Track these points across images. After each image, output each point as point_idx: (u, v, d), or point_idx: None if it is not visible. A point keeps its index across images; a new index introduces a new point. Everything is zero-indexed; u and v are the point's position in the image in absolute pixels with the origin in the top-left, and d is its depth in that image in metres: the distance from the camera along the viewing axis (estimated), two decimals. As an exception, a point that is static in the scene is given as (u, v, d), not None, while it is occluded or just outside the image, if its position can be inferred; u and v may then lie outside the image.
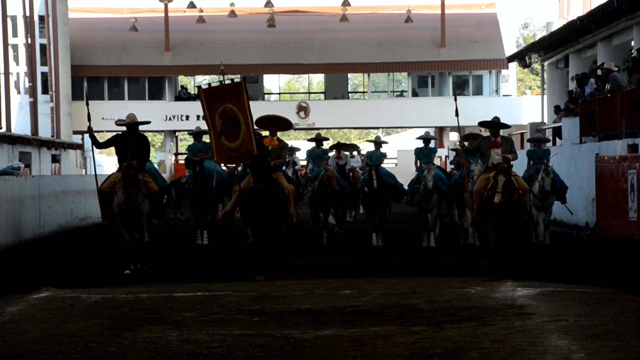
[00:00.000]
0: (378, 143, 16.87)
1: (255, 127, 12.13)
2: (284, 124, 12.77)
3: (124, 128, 12.89)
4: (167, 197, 17.25)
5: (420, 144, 16.82)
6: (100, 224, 13.38)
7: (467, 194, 14.15)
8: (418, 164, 16.56)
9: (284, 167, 18.23)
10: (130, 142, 12.65)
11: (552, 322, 8.28)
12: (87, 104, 13.16)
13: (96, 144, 13.01)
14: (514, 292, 10.25)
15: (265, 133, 13.35)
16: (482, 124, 13.60)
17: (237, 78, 12.78)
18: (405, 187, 16.65)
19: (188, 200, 16.38)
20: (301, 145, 25.04)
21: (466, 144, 16.25)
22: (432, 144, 16.82)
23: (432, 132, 24.27)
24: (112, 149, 15.70)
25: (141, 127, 12.99)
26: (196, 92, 25.99)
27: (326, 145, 18.63)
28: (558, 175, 15.84)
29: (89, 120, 12.93)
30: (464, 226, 15.77)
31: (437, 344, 7.47)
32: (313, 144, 18.00)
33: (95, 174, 13.30)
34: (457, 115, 13.71)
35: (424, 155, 16.50)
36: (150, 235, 12.89)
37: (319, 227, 16.59)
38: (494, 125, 13.24)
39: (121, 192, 12.20)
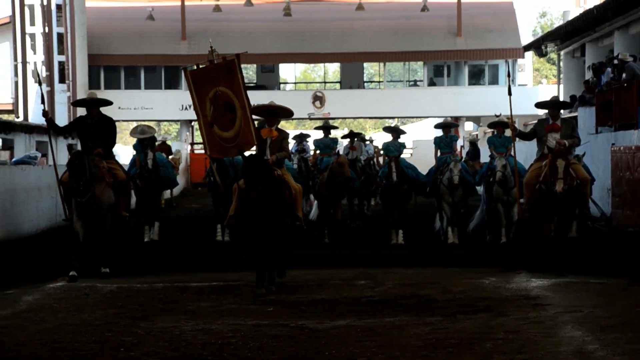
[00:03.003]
0: (396, 131, 15.61)
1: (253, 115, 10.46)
2: (283, 113, 10.81)
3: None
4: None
5: (439, 132, 15.68)
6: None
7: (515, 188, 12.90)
8: (438, 153, 15.48)
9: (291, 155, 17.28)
10: (92, 125, 11.38)
11: (566, 313, 8.29)
12: (39, 83, 12.39)
13: (55, 128, 11.67)
14: (528, 283, 10.23)
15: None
16: (540, 104, 11.99)
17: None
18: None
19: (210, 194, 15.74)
20: (315, 135, 24.87)
21: (490, 132, 15.27)
22: (452, 132, 15.79)
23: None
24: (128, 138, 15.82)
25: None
26: None
27: (335, 134, 17.80)
28: (587, 167, 14.86)
29: (43, 102, 11.66)
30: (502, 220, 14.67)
31: (452, 335, 7.49)
32: (321, 133, 17.17)
33: (55, 164, 12.04)
34: (509, 94, 12.20)
35: (444, 144, 15.42)
36: (127, 230, 11.59)
37: (326, 222, 15.49)
38: (553, 105, 11.53)
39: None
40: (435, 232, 15.64)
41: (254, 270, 10.07)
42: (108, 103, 11.82)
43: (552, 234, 11.04)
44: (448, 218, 15.01)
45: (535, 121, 12.59)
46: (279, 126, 11.03)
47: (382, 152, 18.25)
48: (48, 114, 11.59)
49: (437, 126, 16.07)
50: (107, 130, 11.38)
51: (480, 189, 15.69)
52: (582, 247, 13.00)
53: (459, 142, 31.42)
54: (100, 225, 11.00)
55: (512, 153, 13.40)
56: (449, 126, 15.68)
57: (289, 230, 10.35)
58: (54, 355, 6.96)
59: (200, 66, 10.39)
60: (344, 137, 18.70)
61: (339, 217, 15.61)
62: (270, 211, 9.82)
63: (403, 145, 15.50)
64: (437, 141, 15.50)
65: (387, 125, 16.43)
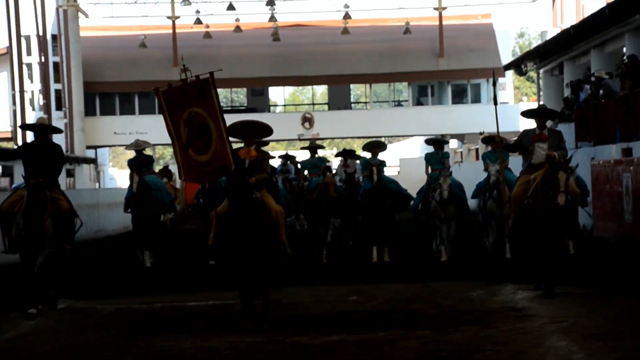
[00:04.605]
0: (377, 147, 15.18)
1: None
2: (263, 131, 9.93)
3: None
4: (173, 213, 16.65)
5: (430, 149, 15.22)
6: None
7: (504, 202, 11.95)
8: (429, 170, 14.98)
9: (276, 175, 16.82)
10: (39, 152, 10.55)
11: (552, 323, 8.45)
12: None
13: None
14: (514, 295, 10.48)
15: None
16: (526, 113, 11.19)
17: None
18: (413, 195, 15.31)
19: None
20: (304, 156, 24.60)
21: (489, 148, 14.54)
22: (444, 149, 15.30)
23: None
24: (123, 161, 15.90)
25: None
26: None
27: (323, 153, 17.74)
28: (582, 179, 14.35)
29: None
30: (489, 239, 14.34)
31: (442, 347, 7.62)
32: (308, 153, 16.85)
33: None
34: (495, 104, 11.71)
35: (436, 160, 14.90)
36: (61, 265, 10.71)
37: (319, 243, 15.04)
38: (541, 113, 10.84)
39: (20, 215, 10.14)
40: (433, 250, 15.03)
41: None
42: (57, 131, 11.48)
43: (545, 250, 10.44)
44: (441, 236, 14.53)
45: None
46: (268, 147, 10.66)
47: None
48: None
49: (427, 141, 15.70)
50: (53, 158, 10.65)
51: (474, 204, 15.29)
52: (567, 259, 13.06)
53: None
54: (41, 256, 10.20)
55: (506, 166, 12.93)
56: (440, 143, 15.31)
57: (273, 254, 9.48)
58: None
59: (173, 85, 9.56)
60: (337, 155, 18.48)
61: (325, 240, 15.04)
62: (250, 235, 9.08)
63: (383, 163, 15.06)
64: (428, 157, 15.04)
65: (366, 142, 15.81)
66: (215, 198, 13.16)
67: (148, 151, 16.13)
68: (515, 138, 13.15)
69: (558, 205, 9.98)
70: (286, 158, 19.46)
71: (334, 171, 17.21)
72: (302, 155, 18.94)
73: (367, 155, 15.67)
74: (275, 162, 20.29)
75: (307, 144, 19.14)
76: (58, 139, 32.21)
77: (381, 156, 15.42)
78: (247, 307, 9.22)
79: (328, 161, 18.56)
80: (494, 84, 12.18)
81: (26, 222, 9.99)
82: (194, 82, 9.29)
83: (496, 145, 13.49)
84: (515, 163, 15.33)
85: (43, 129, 10.81)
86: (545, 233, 10.27)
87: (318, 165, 16.45)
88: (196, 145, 9.34)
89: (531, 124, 11.63)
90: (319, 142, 17.46)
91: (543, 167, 10.43)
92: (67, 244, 10.57)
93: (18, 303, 10.77)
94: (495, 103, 11.73)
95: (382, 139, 40.38)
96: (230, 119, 9.43)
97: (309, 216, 15.69)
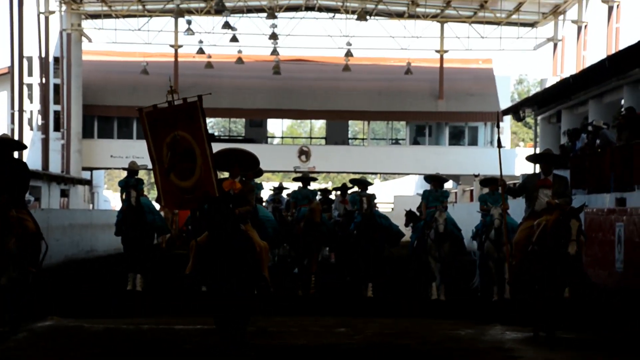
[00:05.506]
0: (363, 183, 15.08)
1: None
2: (249, 162, 9.46)
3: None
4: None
5: (428, 186, 14.78)
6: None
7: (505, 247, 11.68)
8: (425, 208, 14.40)
9: (264, 204, 16.92)
10: (1, 168, 9.89)
11: None
12: None
13: None
14: (502, 336, 10.43)
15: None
16: (531, 158, 11.00)
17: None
18: (404, 232, 15.14)
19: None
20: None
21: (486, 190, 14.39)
22: (443, 187, 14.76)
23: None
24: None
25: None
26: None
27: (314, 186, 17.19)
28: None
29: None
30: (480, 279, 14.09)
31: None
32: (300, 184, 16.34)
33: None
34: (499, 146, 11.35)
35: (433, 198, 14.29)
36: (24, 288, 10.01)
37: (303, 276, 14.65)
38: (546, 159, 10.53)
39: None
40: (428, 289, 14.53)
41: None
42: (21, 147, 10.80)
43: (545, 295, 10.06)
44: (434, 275, 14.17)
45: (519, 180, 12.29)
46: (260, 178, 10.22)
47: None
48: None
49: (427, 178, 15.14)
50: (18, 176, 9.97)
51: (471, 245, 15.15)
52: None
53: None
54: (4, 278, 9.63)
55: (506, 209, 12.41)
56: (440, 180, 14.70)
57: (254, 291, 8.95)
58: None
59: (159, 105, 8.99)
60: (335, 189, 18.51)
61: (314, 269, 14.78)
62: (231, 258, 8.63)
63: (373, 197, 14.71)
64: (426, 194, 14.47)
65: (353, 178, 15.62)
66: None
67: (141, 175, 16.03)
68: (516, 182, 12.91)
69: (568, 254, 9.63)
70: (279, 189, 19.37)
71: (332, 206, 17.16)
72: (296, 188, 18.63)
73: (355, 189, 15.59)
74: (267, 193, 20.30)
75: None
76: (54, 158, 32.55)
77: (371, 191, 15.23)
78: (224, 336, 8.77)
79: (330, 191, 18.36)
80: (498, 127, 11.96)
81: None
82: (181, 105, 8.79)
83: (495, 188, 13.32)
84: (514, 207, 15.36)
85: (5, 145, 10.09)
86: (552, 279, 9.90)
87: (309, 197, 15.96)
88: (179, 170, 8.79)
89: (527, 168, 11.55)
90: (312, 175, 17.07)
91: (545, 213, 10.14)
92: (31, 266, 9.93)
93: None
94: (500, 145, 11.50)
95: (378, 176, 40.63)
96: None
97: (296, 247, 15.36)
